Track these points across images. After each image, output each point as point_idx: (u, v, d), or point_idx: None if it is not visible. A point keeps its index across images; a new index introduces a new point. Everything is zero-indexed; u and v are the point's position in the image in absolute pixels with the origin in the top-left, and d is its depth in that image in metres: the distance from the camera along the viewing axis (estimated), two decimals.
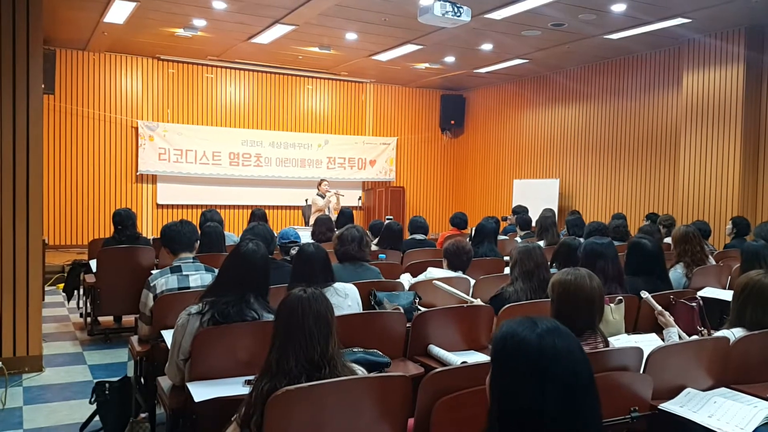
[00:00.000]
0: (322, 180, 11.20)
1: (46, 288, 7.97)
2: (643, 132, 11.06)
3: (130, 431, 3.79)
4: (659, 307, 3.43)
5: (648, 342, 3.21)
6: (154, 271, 4.25)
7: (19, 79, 5.25)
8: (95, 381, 4.16)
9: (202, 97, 13.03)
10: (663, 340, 3.34)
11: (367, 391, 2.35)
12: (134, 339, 4.05)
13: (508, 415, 1.53)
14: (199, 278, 4.08)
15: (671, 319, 3.36)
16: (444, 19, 6.75)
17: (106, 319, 6.87)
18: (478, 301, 3.93)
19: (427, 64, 12.46)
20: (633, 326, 3.94)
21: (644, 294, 3.60)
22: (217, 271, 3.38)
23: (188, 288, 4.00)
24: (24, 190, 5.27)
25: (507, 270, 4.77)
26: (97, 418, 4.07)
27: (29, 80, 5.29)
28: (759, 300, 3.12)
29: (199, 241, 4.73)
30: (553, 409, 1.46)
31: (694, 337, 3.55)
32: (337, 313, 3.33)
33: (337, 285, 3.74)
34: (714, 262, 5.57)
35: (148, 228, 12.27)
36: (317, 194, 10.85)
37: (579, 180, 12.29)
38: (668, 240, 7.40)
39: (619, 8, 8.37)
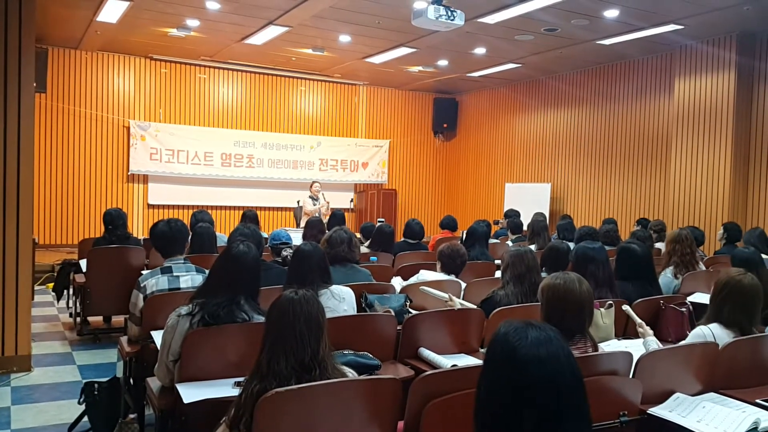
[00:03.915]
0: (314, 182, 11.25)
1: (36, 287, 7.92)
2: (634, 137, 11.11)
3: None
4: (638, 320, 3.44)
5: (638, 347, 3.22)
6: (144, 272, 4.24)
7: (11, 78, 5.23)
8: (84, 381, 4.14)
9: (195, 98, 12.99)
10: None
11: (357, 393, 2.35)
12: (124, 339, 4.04)
13: (489, 419, 1.54)
14: (190, 279, 4.07)
15: (649, 329, 3.38)
16: (437, 23, 6.75)
17: (96, 320, 6.84)
18: (468, 305, 3.93)
19: (420, 67, 12.47)
20: (623, 331, 3.96)
21: (625, 307, 3.61)
22: (207, 272, 3.37)
23: (179, 289, 3.98)
24: (14, 188, 5.24)
25: (498, 273, 4.78)
26: (85, 418, 4.05)
27: (21, 78, 5.27)
28: (737, 299, 3.17)
29: (189, 241, 4.71)
30: (531, 416, 1.48)
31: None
32: (333, 316, 3.34)
33: (334, 288, 3.74)
34: (704, 268, 5.60)
35: (139, 228, 12.22)
36: (309, 196, 10.91)
37: (570, 184, 12.33)
38: (658, 245, 7.44)
39: (612, 14, 8.40)
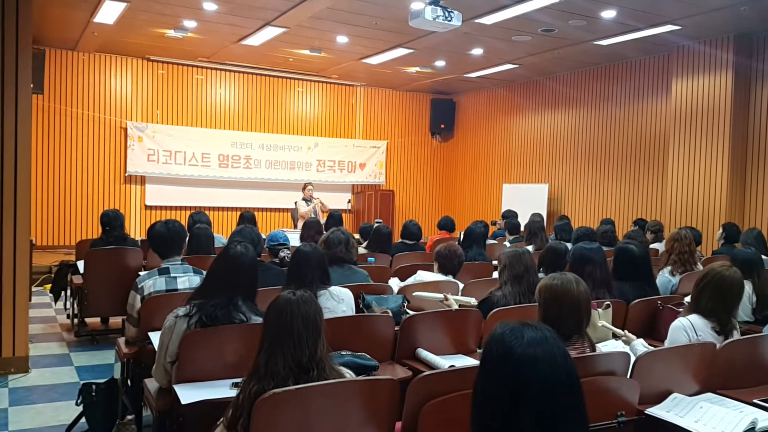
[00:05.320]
0: (307, 184, 11.17)
1: (33, 288, 7.90)
2: (632, 138, 11.12)
3: None
4: (620, 332, 3.45)
5: (634, 347, 3.22)
6: (141, 273, 4.23)
7: (8, 79, 5.22)
8: (82, 382, 4.12)
9: (192, 99, 12.98)
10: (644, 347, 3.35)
11: (355, 394, 2.35)
12: (121, 341, 4.04)
13: (486, 419, 1.54)
14: (187, 280, 4.06)
15: (632, 335, 3.38)
16: (435, 24, 6.74)
17: (93, 321, 6.83)
18: (464, 299, 3.94)
19: (417, 68, 12.48)
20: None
21: (602, 322, 3.61)
22: (205, 273, 3.37)
23: (176, 290, 3.98)
24: (12, 189, 5.23)
25: (495, 274, 4.79)
26: (83, 420, 4.04)
27: (18, 79, 5.26)
28: (716, 290, 3.21)
29: (187, 242, 4.71)
30: (527, 416, 1.48)
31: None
32: (332, 317, 3.34)
33: (333, 289, 3.74)
34: (702, 268, 5.60)
35: (136, 229, 12.21)
36: (302, 198, 10.89)
37: (568, 185, 12.33)
38: (655, 246, 7.46)
39: (609, 15, 8.41)
